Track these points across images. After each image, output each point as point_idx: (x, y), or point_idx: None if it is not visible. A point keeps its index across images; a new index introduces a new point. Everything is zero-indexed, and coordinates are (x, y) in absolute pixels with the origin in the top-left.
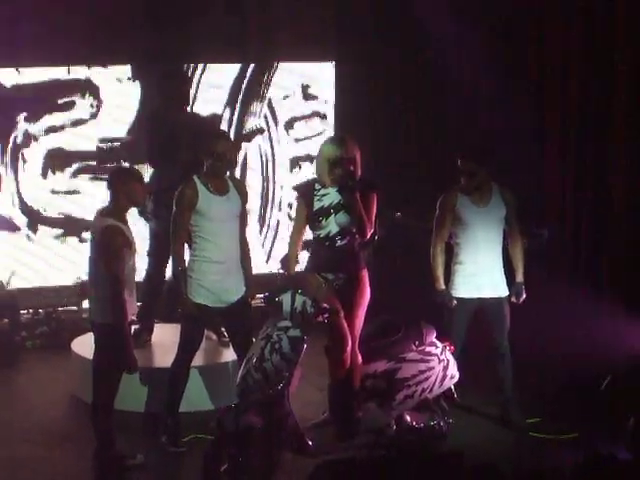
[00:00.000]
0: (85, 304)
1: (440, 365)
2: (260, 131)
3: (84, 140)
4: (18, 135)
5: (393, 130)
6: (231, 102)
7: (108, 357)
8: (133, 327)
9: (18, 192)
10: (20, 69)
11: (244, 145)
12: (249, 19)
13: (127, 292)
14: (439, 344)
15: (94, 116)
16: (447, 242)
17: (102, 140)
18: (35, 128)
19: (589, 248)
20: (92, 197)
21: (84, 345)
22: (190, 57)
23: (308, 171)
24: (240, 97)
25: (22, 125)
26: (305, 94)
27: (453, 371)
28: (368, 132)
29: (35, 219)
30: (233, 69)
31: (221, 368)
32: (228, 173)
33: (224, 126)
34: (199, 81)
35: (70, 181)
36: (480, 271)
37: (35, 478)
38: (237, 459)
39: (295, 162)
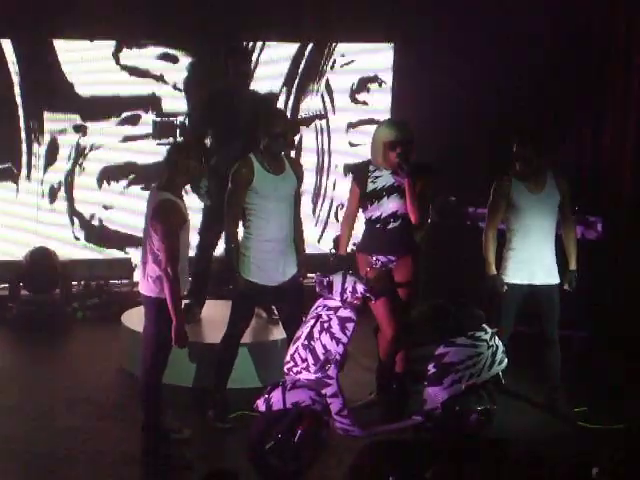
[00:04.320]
0: (137, 277)
1: (489, 351)
2: (320, 117)
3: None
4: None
5: (451, 114)
6: (289, 81)
7: (158, 331)
8: (184, 302)
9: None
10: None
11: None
12: None
13: (180, 267)
14: (489, 329)
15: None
16: (500, 228)
17: (159, 114)
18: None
19: None
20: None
21: (134, 318)
22: (249, 35)
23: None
24: (298, 76)
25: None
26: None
27: (501, 357)
28: (425, 115)
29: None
30: (292, 48)
31: (270, 346)
32: (284, 152)
33: (281, 104)
34: (257, 59)
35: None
36: (532, 258)
37: (81, 448)
38: (283, 438)
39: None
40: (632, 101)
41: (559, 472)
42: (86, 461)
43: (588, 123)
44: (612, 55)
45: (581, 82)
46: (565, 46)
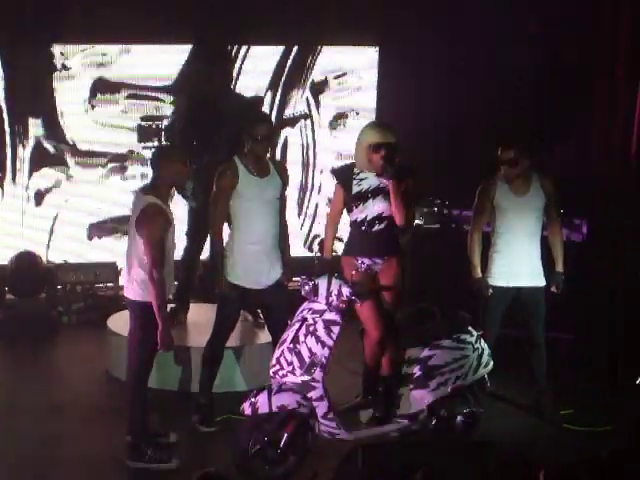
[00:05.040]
0: (122, 281)
1: (475, 353)
2: (305, 117)
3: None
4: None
5: (435, 116)
6: (273, 84)
7: (144, 335)
8: (169, 306)
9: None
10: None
11: (286, 129)
12: (294, 2)
13: (165, 271)
14: (474, 332)
15: None
16: (485, 230)
17: (144, 118)
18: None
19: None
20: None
21: (119, 322)
22: (234, 38)
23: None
24: (283, 80)
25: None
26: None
27: (487, 360)
28: (409, 118)
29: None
30: (277, 51)
31: (256, 349)
32: (269, 155)
33: (265, 108)
34: (242, 62)
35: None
36: (517, 260)
37: (67, 453)
38: (269, 441)
39: (339, 117)
40: (617, 102)
41: (548, 473)
42: (72, 465)
43: (575, 124)
44: (599, 56)
45: (571, 84)
46: (552, 46)
